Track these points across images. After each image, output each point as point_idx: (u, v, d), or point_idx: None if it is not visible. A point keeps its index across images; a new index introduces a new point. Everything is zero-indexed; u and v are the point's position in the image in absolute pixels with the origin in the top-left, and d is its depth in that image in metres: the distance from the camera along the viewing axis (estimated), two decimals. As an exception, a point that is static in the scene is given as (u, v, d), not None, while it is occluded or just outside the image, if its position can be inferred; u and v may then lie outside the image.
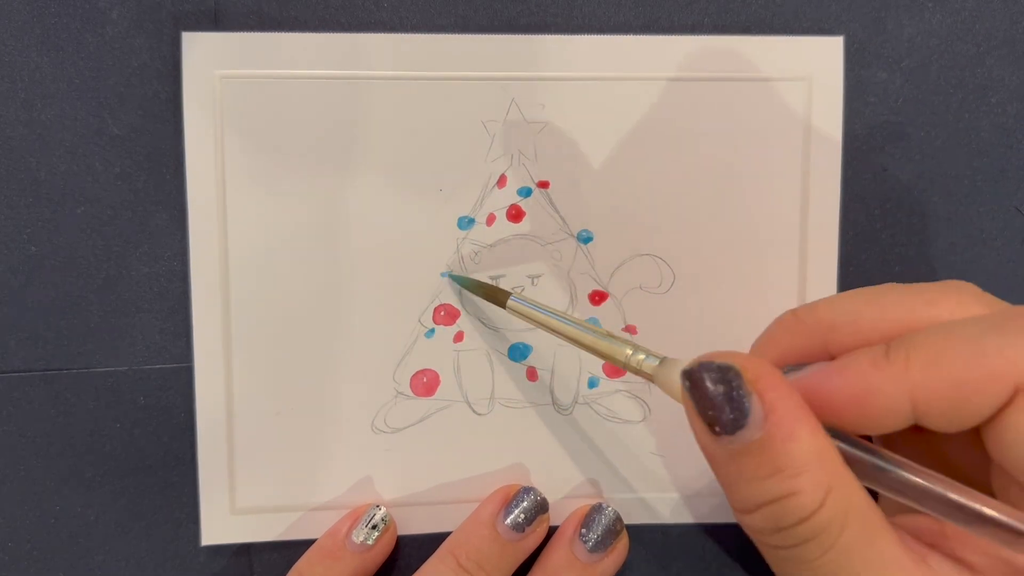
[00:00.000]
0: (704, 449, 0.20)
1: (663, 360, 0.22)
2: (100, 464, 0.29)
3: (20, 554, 0.29)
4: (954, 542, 0.20)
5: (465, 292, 0.29)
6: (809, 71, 0.29)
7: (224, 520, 0.28)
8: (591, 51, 0.28)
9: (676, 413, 0.29)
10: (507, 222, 0.29)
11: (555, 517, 0.29)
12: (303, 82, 0.28)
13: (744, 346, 0.29)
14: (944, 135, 0.30)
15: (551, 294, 0.29)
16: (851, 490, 0.19)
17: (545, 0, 0.29)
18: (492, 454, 0.29)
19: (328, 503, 0.29)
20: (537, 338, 0.29)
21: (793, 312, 0.22)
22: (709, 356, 0.19)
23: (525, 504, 0.28)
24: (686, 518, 0.30)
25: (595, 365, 0.29)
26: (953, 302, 0.20)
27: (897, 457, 0.20)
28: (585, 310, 0.29)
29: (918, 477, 0.19)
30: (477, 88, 0.28)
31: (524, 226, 0.29)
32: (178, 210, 0.28)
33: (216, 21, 0.28)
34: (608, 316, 0.29)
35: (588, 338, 0.23)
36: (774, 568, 0.21)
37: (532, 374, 0.29)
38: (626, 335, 0.23)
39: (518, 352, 0.29)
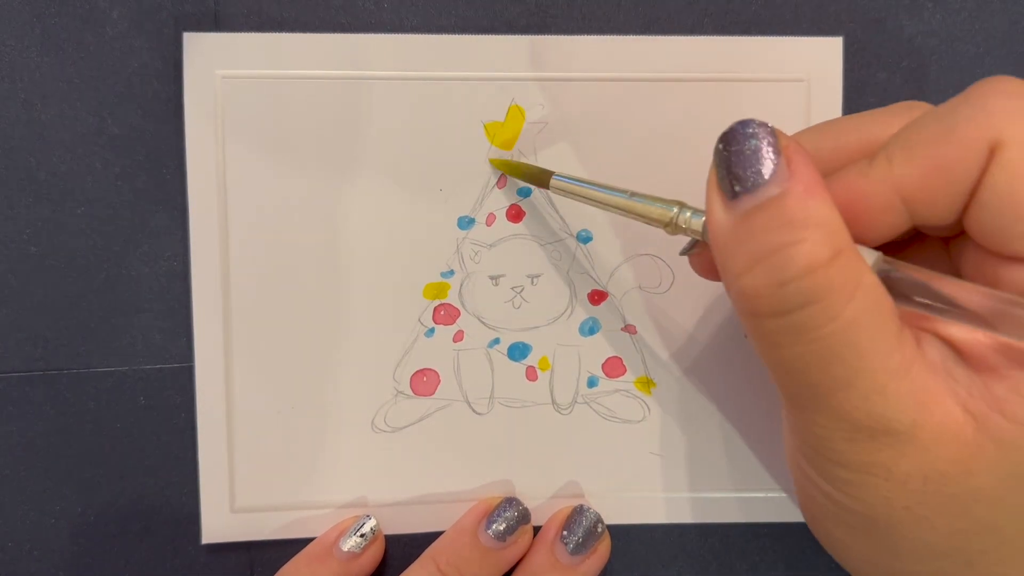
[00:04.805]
0: (715, 225, 0.19)
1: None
2: (100, 464, 0.29)
3: (20, 554, 0.29)
4: (936, 323, 0.20)
5: (465, 288, 0.29)
6: (808, 72, 0.29)
7: (224, 518, 0.28)
8: (591, 51, 0.28)
9: (676, 413, 0.30)
10: (507, 222, 0.29)
11: (555, 517, 0.29)
12: (304, 82, 0.28)
13: (743, 345, 0.29)
14: (943, 135, 0.30)
15: (551, 294, 0.29)
16: (861, 265, 0.18)
17: (545, 1, 0.29)
18: (492, 453, 0.29)
19: (328, 501, 0.29)
20: (537, 337, 0.29)
21: None
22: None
23: (507, 514, 0.28)
24: (685, 518, 0.30)
25: (595, 365, 0.29)
26: (906, 118, 0.20)
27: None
28: (584, 310, 0.29)
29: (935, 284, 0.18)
30: (477, 88, 0.28)
31: (524, 226, 0.29)
32: (178, 210, 0.28)
33: (216, 22, 0.28)
34: (607, 316, 0.29)
35: (638, 206, 0.23)
36: (766, 354, 0.19)
37: (532, 374, 0.29)
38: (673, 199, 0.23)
39: (518, 351, 0.29)
